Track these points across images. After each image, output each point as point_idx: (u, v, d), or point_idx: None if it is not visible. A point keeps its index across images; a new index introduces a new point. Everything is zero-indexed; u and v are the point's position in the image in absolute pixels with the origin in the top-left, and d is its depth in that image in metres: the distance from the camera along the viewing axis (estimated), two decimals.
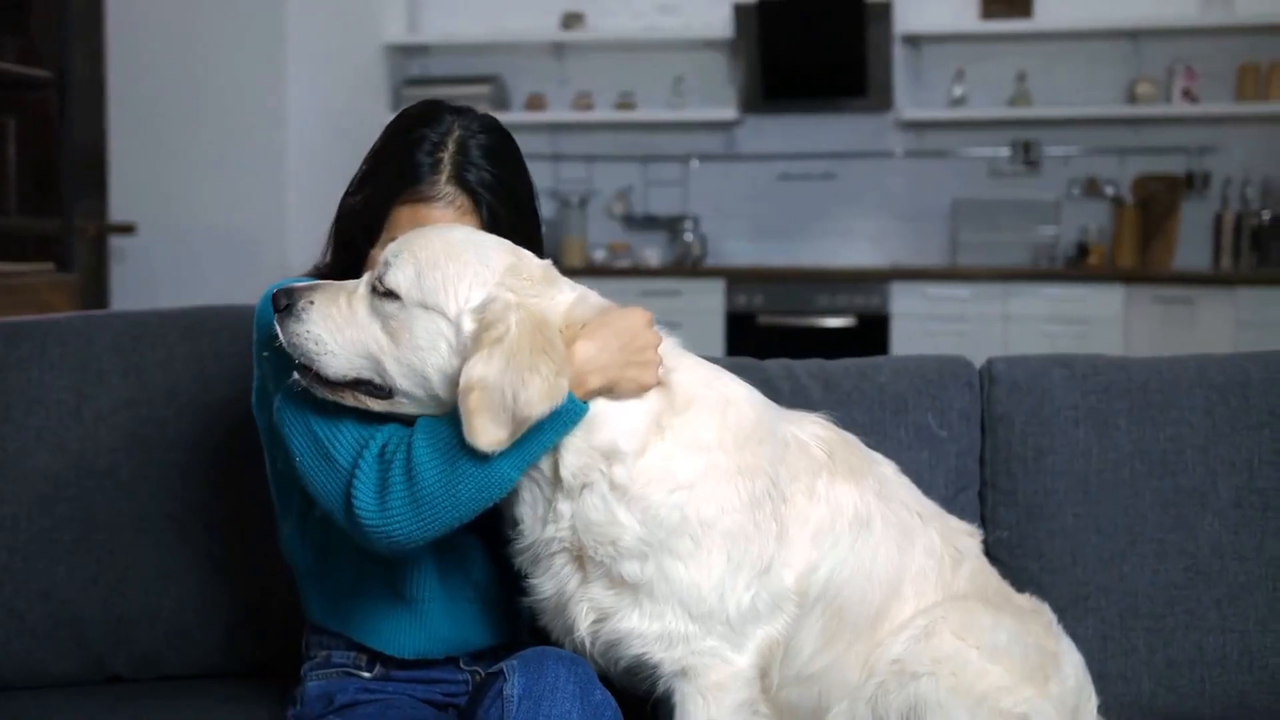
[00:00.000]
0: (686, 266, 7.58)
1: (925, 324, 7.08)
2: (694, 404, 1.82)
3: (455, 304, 1.72)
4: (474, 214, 1.92)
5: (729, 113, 7.69)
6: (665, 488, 1.76)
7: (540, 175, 7.94)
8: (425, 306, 1.73)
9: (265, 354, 1.92)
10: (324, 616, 2.05)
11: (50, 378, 2.39)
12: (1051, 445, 2.33)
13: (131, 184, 6.53)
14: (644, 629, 1.78)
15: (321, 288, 1.79)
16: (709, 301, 7.17)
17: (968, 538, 2.07)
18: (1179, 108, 7.33)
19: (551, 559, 1.81)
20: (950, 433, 2.37)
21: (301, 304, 1.77)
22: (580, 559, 1.79)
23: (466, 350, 1.70)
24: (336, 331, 1.75)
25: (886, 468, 2.02)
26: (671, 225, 7.86)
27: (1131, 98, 7.43)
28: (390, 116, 6.49)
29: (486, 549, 1.98)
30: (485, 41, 7.87)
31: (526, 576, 1.86)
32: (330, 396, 1.78)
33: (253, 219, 6.52)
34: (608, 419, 1.76)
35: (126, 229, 6.31)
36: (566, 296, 1.79)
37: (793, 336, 7.07)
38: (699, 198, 7.94)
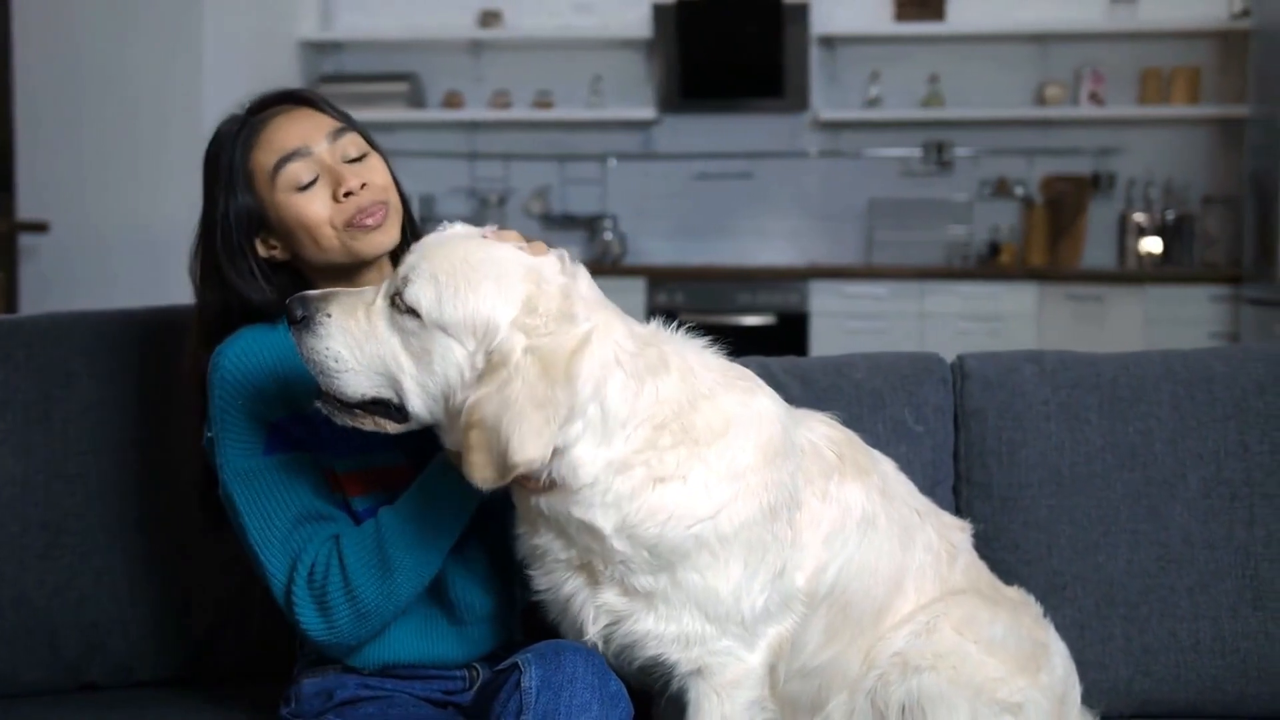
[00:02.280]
0: (606, 265, 7.58)
1: (844, 322, 7.17)
2: (732, 426, 1.78)
3: (473, 336, 1.67)
4: (321, 113, 2.01)
5: (647, 112, 7.71)
6: (684, 525, 1.73)
7: (457, 174, 7.91)
8: (445, 332, 1.68)
9: (210, 434, 1.93)
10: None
11: (16, 380, 2.34)
12: (1024, 439, 2.37)
13: (43, 181, 6.37)
14: (660, 631, 1.78)
15: (337, 298, 1.74)
16: (630, 300, 7.15)
17: (960, 532, 2.11)
18: (1086, 110, 7.52)
19: (544, 559, 1.81)
20: (925, 428, 2.41)
21: (319, 317, 1.72)
22: (586, 568, 1.79)
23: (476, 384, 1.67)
24: (356, 347, 1.71)
25: (887, 465, 2.05)
26: (590, 224, 7.86)
27: (1040, 100, 7.59)
28: None
29: (480, 568, 1.99)
30: (401, 39, 7.81)
31: (525, 568, 1.85)
32: (350, 423, 1.76)
33: (170, 217, 6.36)
34: (575, 473, 1.71)
35: (38, 227, 6.14)
36: (581, 329, 1.69)
37: (714, 335, 7.09)
38: (617, 197, 7.96)
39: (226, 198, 1.96)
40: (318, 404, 1.77)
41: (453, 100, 7.83)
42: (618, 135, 7.93)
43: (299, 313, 1.73)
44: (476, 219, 8.00)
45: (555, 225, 7.90)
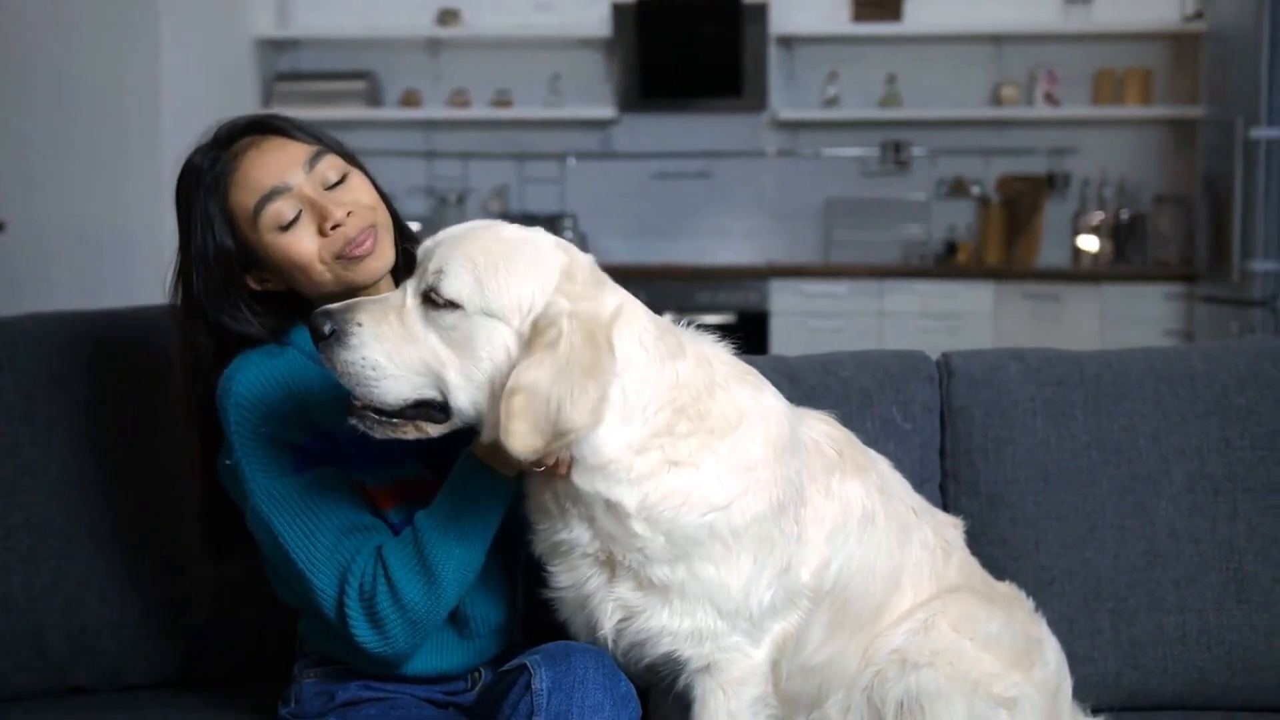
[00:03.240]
0: None
1: (804, 320, 7.21)
2: (745, 419, 1.80)
3: (519, 312, 1.67)
4: (293, 139, 1.94)
5: (606, 111, 7.71)
6: (698, 511, 1.74)
7: (415, 173, 7.88)
8: (488, 314, 1.67)
9: (227, 462, 1.89)
10: (322, 644, 2.01)
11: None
12: (1010, 436, 2.39)
13: None
14: (675, 626, 1.79)
15: (364, 306, 1.71)
16: None
17: (953, 529, 2.13)
18: (1040, 110, 7.60)
19: (568, 555, 1.81)
20: (913, 425, 2.42)
21: (349, 328, 1.68)
22: (606, 562, 1.79)
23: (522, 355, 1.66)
24: (394, 352, 1.67)
25: (884, 464, 2.07)
26: (549, 223, 7.83)
27: (996, 100, 7.67)
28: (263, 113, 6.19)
29: (493, 581, 1.99)
30: (359, 37, 7.76)
31: (545, 566, 1.85)
32: (391, 435, 1.72)
33: (128, 216, 6.31)
34: (597, 450, 1.71)
35: None
36: (613, 301, 1.74)
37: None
38: (576, 196, 7.95)
39: (206, 239, 1.91)
40: (352, 421, 1.72)
41: (411, 99, 7.79)
42: (577, 134, 7.92)
43: (327, 327, 1.68)
44: (435, 218, 7.98)
45: (515, 224, 7.86)
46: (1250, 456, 2.36)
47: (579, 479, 1.72)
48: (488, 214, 7.86)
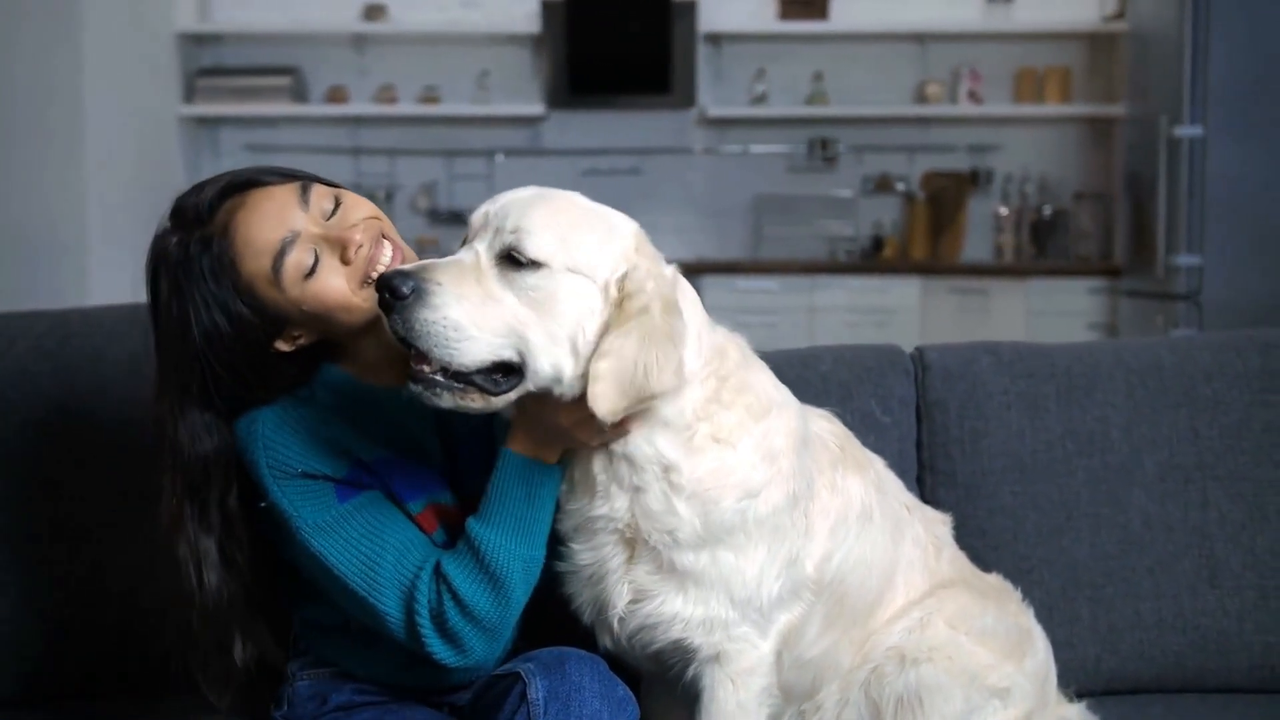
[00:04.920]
0: None
1: (735, 316, 7.12)
2: (773, 410, 1.84)
3: (603, 271, 1.69)
4: (270, 185, 1.87)
5: (534, 108, 7.70)
6: (735, 495, 1.77)
7: (341, 170, 7.78)
8: (574, 271, 1.67)
9: (262, 504, 1.84)
10: (323, 649, 2.00)
11: None
12: (986, 428, 2.44)
13: None
14: (688, 613, 1.79)
15: (440, 266, 1.67)
16: None
17: (942, 526, 2.16)
18: (964, 108, 7.72)
19: (595, 533, 1.80)
20: (892, 419, 2.46)
21: (429, 287, 1.63)
22: (630, 541, 1.79)
23: (610, 316, 1.68)
24: (475, 312, 1.64)
25: (879, 463, 2.10)
26: None
27: (920, 98, 7.77)
28: (184, 109, 6.48)
29: None
30: (283, 31, 7.66)
31: (565, 541, 1.83)
32: (458, 404, 1.68)
33: (50, 215, 6.16)
34: (680, 411, 1.76)
35: None
36: (668, 267, 1.79)
37: None
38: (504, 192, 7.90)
39: (215, 320, 1.81)
40: (415, 388, 1.68)
41: (337, 95, 7.71)
42: (505, 131, 7.89)
43: (408, 286, 1.63)
44: None
45: (442, 222, 7.82)
46: (1218, 445, 2.43)
47: (645, 439, 1.75)
48: (416, 212, 7.82)
